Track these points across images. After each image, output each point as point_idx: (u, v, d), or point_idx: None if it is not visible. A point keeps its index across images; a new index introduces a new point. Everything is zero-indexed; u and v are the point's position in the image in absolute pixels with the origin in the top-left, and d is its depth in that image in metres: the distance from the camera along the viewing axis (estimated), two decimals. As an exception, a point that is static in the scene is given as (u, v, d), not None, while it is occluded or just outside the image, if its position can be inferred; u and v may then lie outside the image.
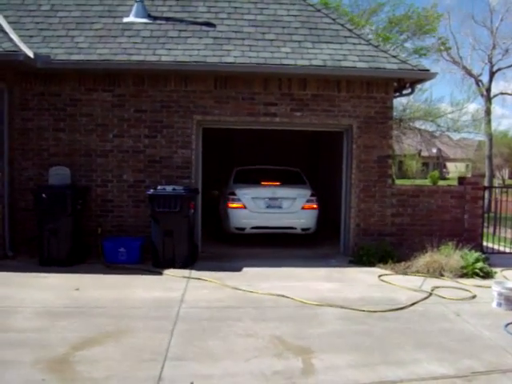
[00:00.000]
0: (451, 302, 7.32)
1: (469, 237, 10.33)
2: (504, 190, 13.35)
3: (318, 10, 11.18)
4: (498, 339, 5.86)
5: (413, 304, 7.16)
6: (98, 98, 10.00)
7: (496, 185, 34.37)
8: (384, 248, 9.85)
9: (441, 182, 43.98)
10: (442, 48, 26.98)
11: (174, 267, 8.97)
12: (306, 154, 17.47)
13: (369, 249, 9.84)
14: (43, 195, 8.98)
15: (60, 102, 9.96)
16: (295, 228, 11.30)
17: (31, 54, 8.99)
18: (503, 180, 53.05)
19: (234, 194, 11.26)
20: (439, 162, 70.42)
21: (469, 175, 39.31)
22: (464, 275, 8.83)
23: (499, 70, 32.17)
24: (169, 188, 9.28)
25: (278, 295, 7.43)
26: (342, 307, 6.93)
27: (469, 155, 53.20)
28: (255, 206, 11.18)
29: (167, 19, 10.58)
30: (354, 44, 10.37)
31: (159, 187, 9.35)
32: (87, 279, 8.19)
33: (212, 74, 9.99)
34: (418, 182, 41.83)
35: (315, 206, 11.38)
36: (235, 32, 10.41)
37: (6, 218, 9.48)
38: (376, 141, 10.37)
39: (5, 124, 9.43)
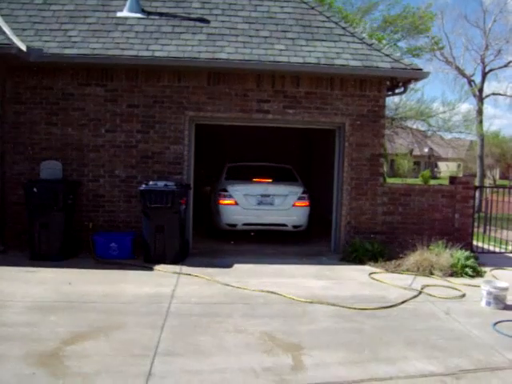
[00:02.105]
0: (441, 301, 7.36)
1: (459, 236, 10.41)
2: (495, 189, 13.45)
3: (312, 8, 11.18)
4: (486, 338, 5.91)
5: (403, 302, 7.20)
6: (91, 92, 9.97)
7: (487, 185, 34.53)
8: (375, 246, 9.88)
9: (432, 182, 44.13)
10: (435, 48, 27.07)
11: (165, 263, 8.97)
12: (299, 151, 17.49)
13: (360, 247, 9.87)
14: (34, 189, 8.94)
15: (52, 96, 9.93)
16: (287, 225, 11.31)
17: (24, 48, 8.96)
18: (494, 180, 53.28)
19: (225, 190, 11.26)
20: (431, 161, 70.74)
21: (460, 175, 39.52)
22: (454, 274, 8.88)
23: (491, 70, 32.35)
24: (160, 183, 9.27)
25: (269, 292, 7.45)
26: (332, 305, 6.96)
27: (460, 155, 53.43)
28: (247, 203, 11.18)
29: (161, 14, 10.56)
30: (347, 42, 10.39)
31: (151, 183, 9.34)
32: (78, 274, 8.18)
33: (205, 70, 9.98)
34: (410, 180, 41.96)
35: (307, 203, 11.39)
36: (229, 28, 10.41)
37: (-4, 211, 9.45)
38: (368, 139, 10.40)
39: (-4, 117, 9.39)
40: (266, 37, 10.32)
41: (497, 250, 11.82)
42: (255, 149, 14.76)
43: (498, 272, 9.39)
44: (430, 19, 23.40)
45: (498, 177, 58.12)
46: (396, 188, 10.82)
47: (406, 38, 23.74)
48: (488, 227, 12.37)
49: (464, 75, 31.75)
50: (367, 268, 9.32)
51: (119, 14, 10.41)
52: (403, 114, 23.54)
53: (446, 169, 64.49)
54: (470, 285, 8.28)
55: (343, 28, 10.80)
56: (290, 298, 7.22)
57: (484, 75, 32.03)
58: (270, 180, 11.58)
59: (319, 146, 15.68)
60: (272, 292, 7.44)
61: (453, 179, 11.13)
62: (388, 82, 10.54)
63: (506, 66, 32.36)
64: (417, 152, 61.51)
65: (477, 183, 27.63)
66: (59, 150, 9.95)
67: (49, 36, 9.77)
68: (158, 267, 8.77)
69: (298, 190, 11.44)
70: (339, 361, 5.15)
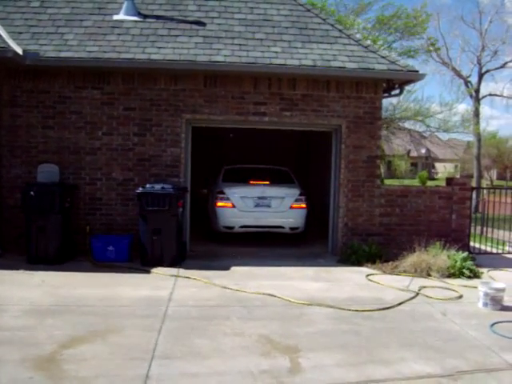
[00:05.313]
0: (438, 302, 7.37)
1: (456, 237, 10.41)
2: (492, 190, 13.45)
3: (308, 10, 11.21)
4: (483, 339, 5.92)
5: (400, 304, 7.20)
6: (88, 95, 9.96)
7: (484, 185, 34.56)
8: (372, 248, 9.89)
9: (429, 183, 44.21)
10: (432, 49, 27.11)
11: (163, 266, 8.96)
12: (296, 153, 17.50)
13: (357, 248, 9.89)
14: (31, 193, 8.93)
15: (49, 100, 9.92)
16: (284, 227, 11.32)
17: (20, 51, 8.96)
18: (491, 181, 53.39)
19: (222, 192, 11.26)
20: (428, 162, 70.80)
21: (457, 176, 39.56)
22: (451, 275, 8.89)
23: (488, 71, 32.40)
24: (158, 186, 9.26)
25: (266, 294, 7.44)
26: (329, 306, 6.96)
27: (457, 156, 53.50)
28: (244, 205, 11.18)
29: (157, 17, 10.57)
30: (343, 44, 10.41)
31: (148, 185, 9.33)
32: (75, 277, 8.17)
33: (202, 72, 9.99)
34: (407, 182, 42.07)
35: (304, 205, 11.40)
36: (225, 31, 10.42)
37: (-7, 215, 9.43)
38: (365, 141, 10.41)
39: (-7, 121, 9.38)
40: (263, 39, 10.33)
41: (494, 250, 11.84)
42: (252, 151, 14.74)
43: (495, 273, 9.41)
44: (425, 20, 23.44)
45: (495, 177, 58.22)
46: (393, 189, 10.84)
47: (401, 40, 23.80)
48: (485, 228, 12.39)
49: (460, 76, 31.80)
50: (364, 270, 9.33)
51: (115, 17, 10.41)
52: (401, 115, 23.60)
53: (443, 170, 64.59)
54: (467, 286, 8.29)
55: (339, 30, 10.82)
56: (287, 300, 7.22)
57: (480, 76, 32.09)
58: (267, 182, 11.57)
59: (316, 147, 15.69)
60: (269, 294, 7.43)
61: (450, 180, 11.13)
62: (384, 84, 10.55)
63: (502, 66, 32.46)
64: (414, 153, 61.56)
65: (474, 184, 27.66)
66: (56, 153, 9.95)
67: (45, 39, 9.76)
68: (155, 270, 8.76)
69: (295, 192, 11.45)
70: (336, 363, 5.15)
